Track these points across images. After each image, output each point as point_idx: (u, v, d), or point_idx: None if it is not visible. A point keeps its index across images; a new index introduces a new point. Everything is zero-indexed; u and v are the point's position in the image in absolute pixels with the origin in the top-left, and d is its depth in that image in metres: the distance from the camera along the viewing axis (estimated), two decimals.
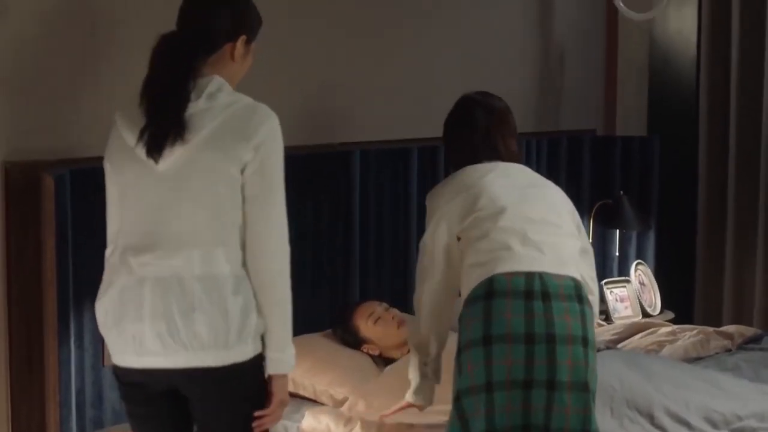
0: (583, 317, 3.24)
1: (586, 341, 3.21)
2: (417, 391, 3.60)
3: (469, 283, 3.30)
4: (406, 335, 4.27)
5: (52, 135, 3.77)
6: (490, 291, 3.22)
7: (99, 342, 3.73)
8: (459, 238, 3.44)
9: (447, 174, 3.76)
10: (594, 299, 3.41)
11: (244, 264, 2.99)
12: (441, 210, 3.49)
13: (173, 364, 2.96)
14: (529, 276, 3.22)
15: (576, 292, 3.26)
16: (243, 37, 3.09)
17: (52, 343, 3.60)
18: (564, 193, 3.62)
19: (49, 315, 3.59)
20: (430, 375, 3.57)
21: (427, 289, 3.52)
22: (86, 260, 3.67)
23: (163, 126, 2.93)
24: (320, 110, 4.67)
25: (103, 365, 3.77)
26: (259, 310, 2.99)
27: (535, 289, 3.20)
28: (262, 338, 3.01)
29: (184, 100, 2.95)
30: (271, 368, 3.04)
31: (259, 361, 3.02)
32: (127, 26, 3.91)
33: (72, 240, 3.64)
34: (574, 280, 3.27)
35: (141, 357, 2.99)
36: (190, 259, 2.95)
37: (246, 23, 3.13)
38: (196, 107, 2.95)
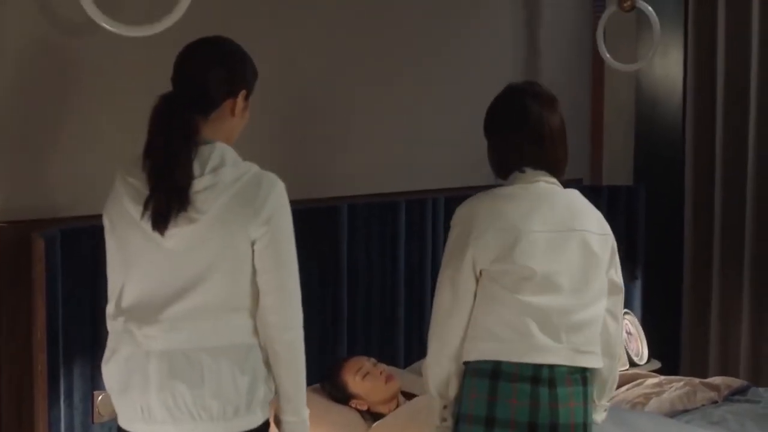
0: (586, 399, 3.24)
1: (586, 426, 3.23)
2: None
3: (478, 345, 3.23)
4: (395, 390, 4.30)
5: (42, 194, 3.77)
6: (497, 371, 3.19)
7: (89, 400, 3.73)
8: (480, 272, 3.27)
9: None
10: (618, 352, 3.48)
11: (255, 332, 3.01)
12: (471, 243, 3.23)
13: (182, 431, 2.98)
14: (539, 365, 3.18)
15: (583, 375, 3.24)
16: (243, 92, 3.08)
17: (42, 403, 3.59)
18: (601, 218, 3.41)
19: (39, 375, 3.58)
20: (449, 419, 3.39)
21: (451, 330, 3.27)
22: (76, 320, 3.68)
23: (167, 200, 2.92)
24: (306, 164, 4.68)
25: (93, 422, 3.77)
26: (270, 377, 3.04)
27: (543, 377, 3.17)
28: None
29: (187, 175, 2.93)
30: (287, 431, 3.10)
31: (266, 427, 3.06)
32: (112, 77, 3.92)
33: (62, 300, 3.63)
34: (584, 369, 3.24)
35: (149, 425, 3.00)
36: (197, 331, 2.95)
37: (245, 77, 3.11)
38: (200, 184, 2.93)
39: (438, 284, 3.32)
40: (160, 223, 2.93)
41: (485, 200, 3.33)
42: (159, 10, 3.66)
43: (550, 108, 3.36)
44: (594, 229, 3.32)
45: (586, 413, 3.23)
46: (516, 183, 3.34)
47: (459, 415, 3.24)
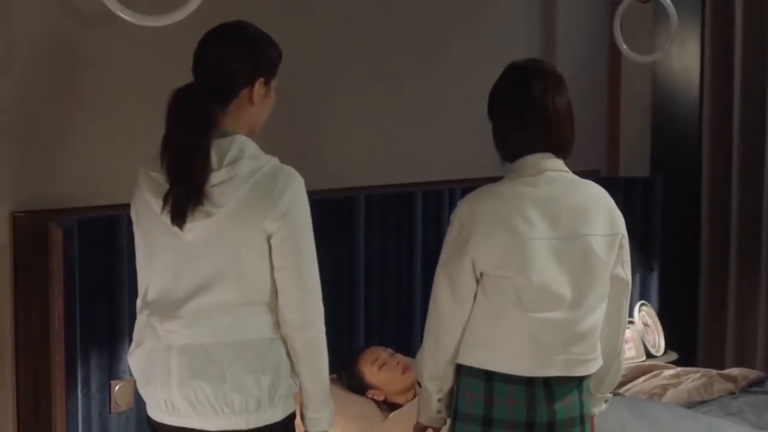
0: (581, 392, 3.19)
1: (583, 419, 3.19)
2: (431, 421, 3.35)
3: (474, 352, 3.16)
4: (411, 380, 4.29)
5: (59, 184, 3.79)
6: (490, 374, 3.13)
7: (106, 390, 3.75)
8: (481, 274, 3.16)
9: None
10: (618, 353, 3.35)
11: (277, 326, 3.01)
12: (471, 248, 3.12)
13: (205, 425, 2.98)
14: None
15: (578, 379, 3.19)
16: (260, 80, 3.03)
17: (59, 392, 3.61)
18: (614, 212, 3.25)
19: (56, 365, 3.61)
20: (442, 410, 3.31)
21: (448, 330, 3.18)
22: (94, 310, 3.70)
23: (185, 195, 2.91)
24: (323, 155, 4.69)
25: (110, 413, 3.78)
26: (292, 371, 3.03)
27: (538, 381, 3.12)
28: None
29: (204, 169, 2.91)
30: (310, 428, 3.11)
31: (290, 420, 3.07)
32: (128, 69, 3.94)
33: (79, 290, 3.65)
34: (578, 378, 3.19)
35: (174, 417, 3.02)
36: (218, 326, 2.95)
37: (261, 64, 3.05)
38: (217, 177, 2.91)
39: (436, 280, 3.22)
40: (178, 218, 2.92)
41: (488, 201, 3.17)
42: (175, 2, 3.65)
43: (556, 87, 3.22)
44: (600, 230, 3.17)
45: (582, 405, 3.18)
46: (522, 173, 3.18)
47: (456, 413, 3.21)
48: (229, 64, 3.00)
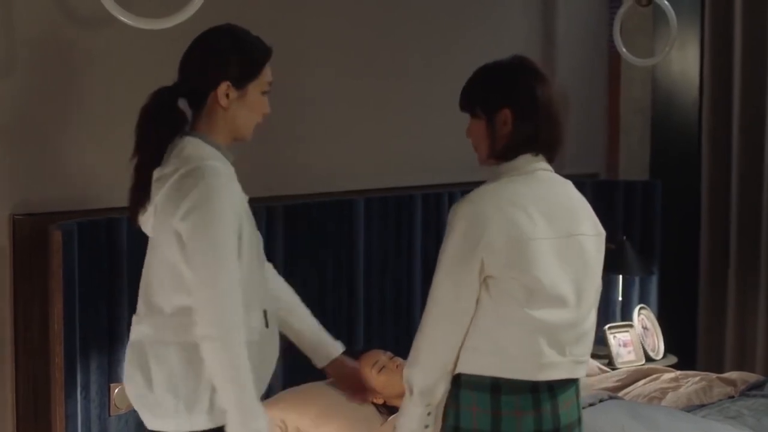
0: (577, 394, 3.17)
1: (580, 420, 3.17)
2: None
3: (479, 359, 3.04)
4: None
5: (58, 187, 3.81)
6: (496, 384, 3.03)
7: (105, 393, 3.76)
8: (485, 279, 3.04)
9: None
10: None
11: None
12: (482, 248, 2.98)
13: (147, 425, 3.04)
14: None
15: (575, 381, 3.17)
16: (226, 83, 2.99)
17: (59, 395, 3.63)
18: (593, 214, 3.21)
19: (56, 367, 3.62)
20: (430, 425, 3.14)
21: (448, 338, 3.03)
22: (93, 312, 3.71)
23: (133, 194, 3.02)
24: (322, 159, 4.70)
25: (109, 415, 3.79)
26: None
27: (542, 386, 3.06)
28: None
29: (151, 168, 2.99)
30: None
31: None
32: (128, 71, 3.96)
33: (79, 292, 3.67)
34: (575, 380, 3.16)
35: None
36: (151, 325, 2.99)
37: (223, 68, 3.01)
38: (155, 175, 2.98)
39: (437, 287, 3.06)
40: (132, 212, 3.05)
41: (492, 200, 3.04)
42: (174, 4, 3.67)
43: (547, 84, 3.15)
44: (589, 231, 3.14)
45: (578, 407, 3.17)
46: (517, 172, 3.10)
47: (457, 429, 3.09)
48: (192, 67, 3.04)
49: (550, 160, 3.15)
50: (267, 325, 3.04)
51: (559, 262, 3.06)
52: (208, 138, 3.01)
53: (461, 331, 3.03)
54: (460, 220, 3.03)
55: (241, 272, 2.93)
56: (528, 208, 3.02)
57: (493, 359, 3.02)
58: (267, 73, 3.07)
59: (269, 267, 3.36)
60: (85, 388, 3.71)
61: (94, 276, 3.71)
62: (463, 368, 3.04)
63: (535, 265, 3.00)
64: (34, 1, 3.72)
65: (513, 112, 3.09)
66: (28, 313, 3.69)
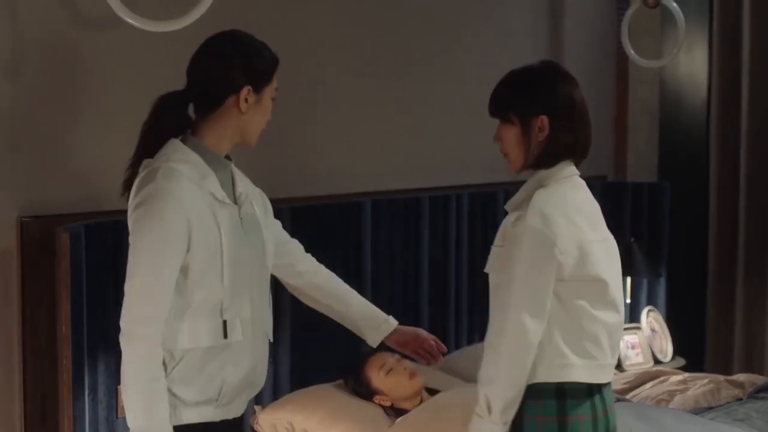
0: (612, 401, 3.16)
1: (614, 417, 3.15)
2: None
3: (547, 366, 2.99)
4: (418, 386, 4.29)
5: (65, 189, 3.82)
6: (561, 390, 3.00)
7: (113, 395, 3.76)
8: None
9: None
10: None
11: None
12: (561, 250, 2.95)
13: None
14: None
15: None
16: (248, 88, 3.02)
17: (66, 396, 3.62)
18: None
19: (63, 369, 3.62)
20: None
21: (531, 352, 2.96)
22: (101, 315, 3.70)
23: (124, 189, 3.05)
24: (329, 161, 4.70)
25: (117, 417, 3.79)
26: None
27: (595, 387, 3.05)
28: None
29: (132, 165, 3.04)
30: None
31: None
32: (135, 73, 3.96)
33: (87, 294, 3.67)
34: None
35: None
36: None
37: (249, 73, 3.03)
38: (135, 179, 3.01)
39: (515, 299, 2.94)
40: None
41: (555, 204, 3.00)
42: (178, 6, 3.68)
43: (578, 89, 3.11)
44: (610, 234, 3.16)
45: (614, 412, 3.16)
46: (560, 176, 3.07)
47: None
48: (210, 73, 3.03)
49: (578, 164, 3.14)
50: (225, 336, 3.00)
51: (608, 263, 3.08)
52: (201, 142, 3.03)
53: (538, 341, 2.97)
54: (529, 227, 2.95)
55: (191, 276, 2.94)
56: (580, 213, 3.04)
57: (559, 365, 2.99)
58: (275, 79, 3.11)
59: (308, 257, 3.50)
60: (93, 390, 3.71)
61: (102, 278, 3.71)
62: (531, 379, 2.99)
63: (597, 266, 3.02)
64: (40, 3, 3.72)
65: (551, 119, 3.04)
66: (35, 315, 3.68)
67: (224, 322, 3.00)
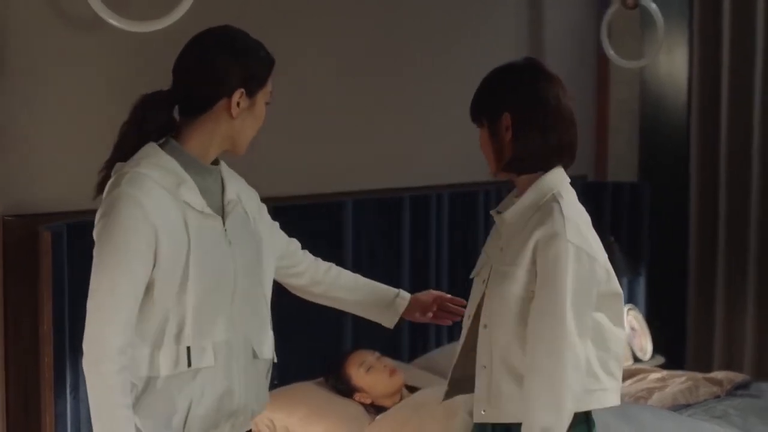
0: None
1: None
2: None
3: (584, 390, 2.82)
4: (398, 384, 4.32)
5: (47, 188, 3.82)
6: (589, 415, 2.91)
7: None
8: None
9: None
10: None
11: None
12: (601, 266, 2.82)
13: None
14: None
15: None
16: (240, 91, 2.78)
17: (48, 394, 3.63)
18: None
19: (45, 367, 3.62)
20: None
21: (583, 365, 2.81)
22: (82, 313, 3.68)
23: (96, 192, 2.88)
24: (311, 159, 4.71)
25: None
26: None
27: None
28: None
29: (104, 167, 2.85)
30: None
31: None
32: (118, 73, 3.96)
33: (69, 293, 3.67)
34: None
35: None
36: None
37: (242, 75, 2.79)
38: None
39: (563, 323, 2.74)
40: None
41: (583, 217, 2.86)
42: (165, 6, 3.70)
43: (556, 86, 2.94)
44: None
45: None
46: (561, 183, 2.91)
47: None
48: (199, 73, 2.80)
49: (566, 169, 2.96)
50: (189, 364, 2.75)
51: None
52: (182, 148, 2.80)
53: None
54: (570, 244, 2.76)
55: (154, 294, 2.72)
56: (590, 223, 2.92)
57: (591, 390, 2.86)
58: (270, 82, 2.89)
59: (306, 255, 3.27)
60: (75, 388, 3.71)
61: (84, 276, 3.69)
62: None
63: (616, 279, 2.92)
64: (24, 3, 3.72)
65: (514, 117, 2.87)
66: (18, 314, 3.69)
67: (188, 348, 2.74)
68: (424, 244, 5.09)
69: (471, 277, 3.05)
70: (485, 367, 2.89)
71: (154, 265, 2.70)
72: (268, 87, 2.87)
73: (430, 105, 5.24)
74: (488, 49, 5.52)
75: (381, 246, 4.90)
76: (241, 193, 2.98)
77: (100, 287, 2.73)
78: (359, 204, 4.77)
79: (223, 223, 2.84)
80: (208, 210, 2.80)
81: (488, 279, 2.91)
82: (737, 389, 4.97)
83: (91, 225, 3.67)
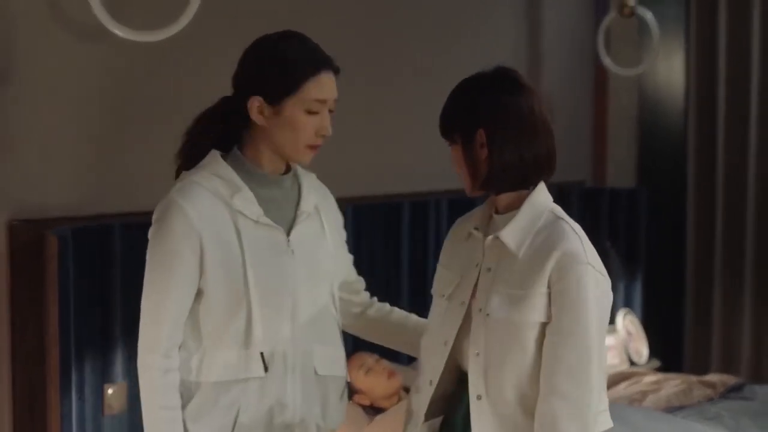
0: None
1: None
2: None
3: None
4: (397, 386, 4.36)
5: (53, 193, 3.87)
6: None
7: (99, 393, 3.83)
8: None
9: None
10: None
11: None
12: (609, 283, 2.71)
13: None
14: None
15: None
16: (254, 98, 2.74)
17: (54, 395, 3.69)
18: None
19: (51, 369, 3.69)
20: None
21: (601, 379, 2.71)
22: (88, 316, 3.77)
23: None
24: (309, 165, 4.73)
25: (103, 415, 3.85)
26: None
27: None
28: None
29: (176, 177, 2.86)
30: None
31: None
32: (121, 81, 4.00)
33: (74, 296, 3.72)
34: None
35: None
36: None
37: (252, 81, 2.76)
38: None
39: (596, 349, 2.63)
40: None
41: (592, 249, 2.70)
42: (168, 15, 3.75)
43: (532, 97, 2.76)
44: None
45: None
46: (550, 200, 2.78)
47: None
48: (233, 82, 2.84)
49: (546, 181, 2.80)
50: (240, 372, 2.75)
51: None
52: (242, 156, 2.81)
53: None
54: (594, 270, 2.65)
55: (204, 302, 2.74)
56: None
57: (599, 411, 2.73)
58: (312, 90, 2.78)
59: (365, 295, 3.21)
60: (80, 389, 3.77)
61: (89, 280, 3.78)
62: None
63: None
64: (32, 11, 3.78)
65: (489, 132, 2.71)
66: (24, 317, 3.74)
67: (239, 357, 2.75)
68: (423, 250, 5.10)
69: (441, 295, 2.83)
70: (480, 397, 2.68)
71: (201, 272, 2.72)
72: (304, 95, 2.77)
73: (429, 110, 5.23)
74: (486, 56, 5.46)
75: (380, 251, 4.90)
76: (322, 206, 2.96)
77: (147, 292, 2.75)
78: (358, 209, 4.79)
79: (288, 233, 2.82)
80: (265, 220, 2.78)
81: (485, 303, 2.69)
82: (730, 392, 5.02)
83: (97, 230, 3.77)
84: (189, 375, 2.76)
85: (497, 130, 2.71)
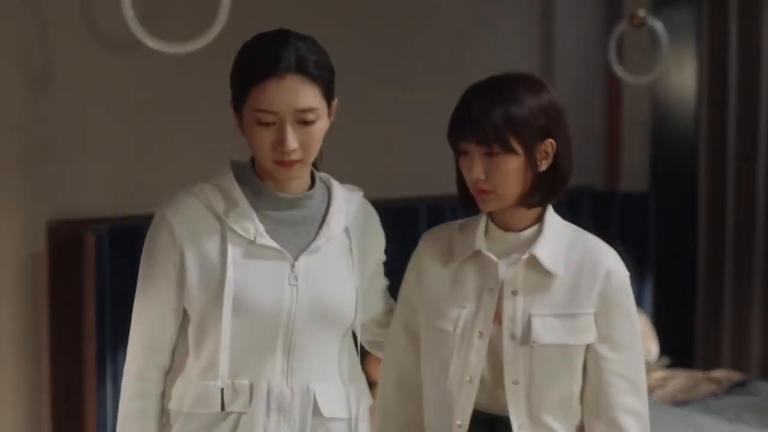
0: None
1: None
2: None
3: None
4: None
5: (93, 195, 3.99)
6: None
7: None
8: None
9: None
10: None
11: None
12: None
13: None
14: None
15: None
16: (233, 103, 2.48)
17: (91, 385, 3.83)
18: None
19: (88, 361, 3.82)
20: None
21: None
22: (122, 311, 3.84)
23: None
24: (323, 169, 4.76)
25: None
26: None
27: None
28: None
29: None
30: None
31: None
32: (155, 90, 4.13)
33: (110, 293, 3.84)
34: None
35: None
36: None
37: (232, 83, 2.50)
38: None
39: (642, 363, 2.58)
40: None
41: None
42: (200, 25, 3.85)
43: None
44: None
45: None
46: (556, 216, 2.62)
47: None
48: None
49: None
50: (222, 406, 2.46)
51: None
52: (251, 171, 2.55)
53: None
54: (632, 295, 2.58)
55: (190, 325, 2.49)
56: None
57: None
58: (256, 99, 2.41)
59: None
60: (115, 379, 3.85)
61: (124, 277, 3.86)
62: None
63: None
64: (66, 26, 3.91)
65: (558, 142, 2.51)
66: (63, 312, 3.87)
67: (221, 389, 2.45)
68: None
69: (447, 330, 2.58)
70: (522, 427, 2.50)
71: (184, 289, 2.47)
72: (252, 103, 2.41)
73: (445, 114, 5.31)
74: (500, 61, 5.49)
75: (396, 256, 4.93)
76: (356, 228, 2.70)
77: (135, 299, 2.57)
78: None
79: (295, 258, 2.50)
80: (264, 240, 2.46)
81: (523, 329, 2.48)
82: (735, 388, 5.13)
83: (131, 230, 3.88)
84: (168, 402, 2.52)
85: (566, 140, 2.53)
